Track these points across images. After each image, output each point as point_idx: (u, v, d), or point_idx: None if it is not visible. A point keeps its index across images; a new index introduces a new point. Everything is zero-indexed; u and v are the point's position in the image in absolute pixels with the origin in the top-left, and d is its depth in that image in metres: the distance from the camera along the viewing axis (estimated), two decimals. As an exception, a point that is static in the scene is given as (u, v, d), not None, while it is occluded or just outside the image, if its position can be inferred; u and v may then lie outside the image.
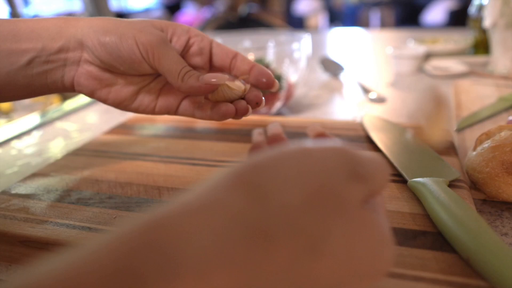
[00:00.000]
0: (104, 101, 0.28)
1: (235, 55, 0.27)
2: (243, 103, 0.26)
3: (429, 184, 0.24)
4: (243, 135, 0.37)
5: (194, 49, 0.27)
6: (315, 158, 0.14)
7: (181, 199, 0.12)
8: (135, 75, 0.27)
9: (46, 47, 0.25)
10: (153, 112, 0.28)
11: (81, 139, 0.44)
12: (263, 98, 0.27)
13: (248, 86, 0.26)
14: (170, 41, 0.27)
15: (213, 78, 0.24)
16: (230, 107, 0.26)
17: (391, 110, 0.47)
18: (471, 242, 0.18)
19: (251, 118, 0.41)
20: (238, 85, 0.26)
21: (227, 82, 0.25)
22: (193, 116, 0.28)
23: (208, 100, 0.27)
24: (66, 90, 0.27)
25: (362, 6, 3.24)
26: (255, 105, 0.27)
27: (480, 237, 0.19)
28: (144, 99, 0.28)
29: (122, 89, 0.27)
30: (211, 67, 0.28)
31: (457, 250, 0.19)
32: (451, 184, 0.26)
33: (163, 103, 0.28)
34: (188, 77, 0.25)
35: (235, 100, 0.26)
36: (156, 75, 0.28)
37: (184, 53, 0.27)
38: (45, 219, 0.24)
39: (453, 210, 0.21)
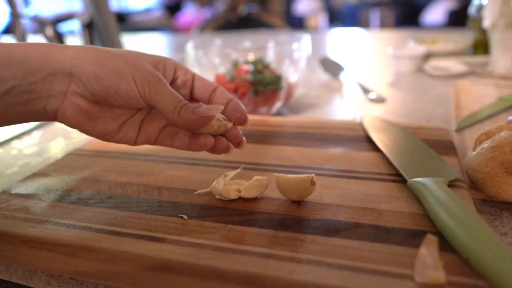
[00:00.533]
0: (89, 133, 0.27)
1: (215, 89, 0.27)
2: (224, 140, 0.27)
3: (429, 184, 0.24)
4: (244, 135, 0.37)
5: (178, 82, 0.27)
6: None
7: None
8: (125, 108, 0.26)
9: (27, 76, 0.23)
10: (134, 143, 0.28)
11: (81, 139, 0.44)
12: (244, 138, 0.28)
13: (230, 123, 0.27)
14: (163, 76, 0.27)
15: (208, 110, 0.25)
16: (209, 139, 0.26)
17: (391, 110, 0.47)
18: (471, 242, 0.19)
19: (250, 117, 0.41)
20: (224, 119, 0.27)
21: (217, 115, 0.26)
22: (171, 146, 0.28)
23: (187, 131, 0.27)
24: (47, 120, 0.26)
25: (361, 6, 3.24)
26: (236, 144, 0.28)
27: (480, 237, 0.19)
28: (128, 131, 0.27)
29: (109, 122, 0.26)
30: (191, 99, 0.28)
31: (457, 250, 0.19)
32: (451, 184, 0.26)
33: (144, 134, 0.28)
34: (184, 111, 0.25)
35: (219, 134, 0.27)
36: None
37: (171, 86, 0.27)
38: (46, 219, 0.24)
39: (453, 210, 0.21)
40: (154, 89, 0.25)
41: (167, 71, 0.27)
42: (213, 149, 0.27)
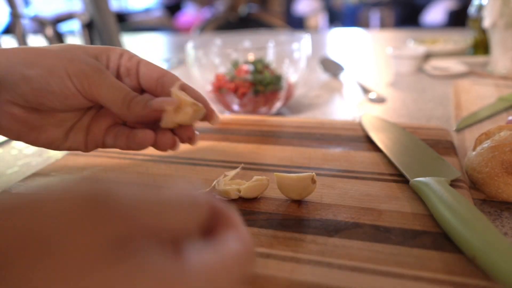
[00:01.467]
0: (33, 144, 0.24)
1: (164, 75, 0.24)
2: (169, 135, 0.24)
3: (431, 184, 0.24)
4: (243, 135, 0.37)
5: (121, 70, 0.24)
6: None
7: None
8: (67, 111, 0.24)
9: None
10: (85, 149, 0.25)
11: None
12: (197, 133, 0.25)
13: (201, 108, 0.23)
14: (107, 67, 0.24)
15: (163, 102, 0.22)
16: (148, 134, 0.23)
17: (391, 110, 0.47)
18: (477, 241, 0.18)
19: (250, 117, 0.41)
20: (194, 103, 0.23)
21: (190, 100, 0.23)
22: (114, 146, 0.25)
23: (126, 127, 0.25)
24: None
25: (361, 6, 3.24)
26: (187, 139, 0.25)
27: (486, 236, 0.19)
28: (77, 136, 0.25)
29: (53, 129, 0.24)
30: (141, 89, 0.25)
31: (463, 250, 0.19)
32: (451, 184, 0.26)
33: (91, 137, 0.25)
34: (135, 105, 0.22)
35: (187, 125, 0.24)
36: (87, 108, 0.25)
37: (115, 77, 0.24)
38: (46, 219, 0.24)
39: (458, 210, 0.21)
40: (94, 82, 0.22)
41: (111, 61, 0.24)
42: (156, 146, 0.24)
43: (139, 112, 0.22)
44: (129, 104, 0.22)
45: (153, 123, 0.24)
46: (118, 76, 0.24)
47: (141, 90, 0.25)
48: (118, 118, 0.25)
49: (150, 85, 0.24)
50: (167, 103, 0.22)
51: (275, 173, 0.25)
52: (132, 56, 0.25)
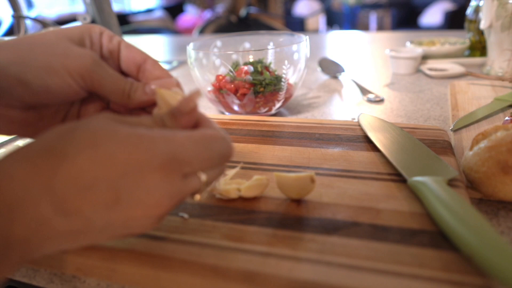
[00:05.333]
0: (31, 137, 0.24)
1: (145, 60, 0.24)
2: None
3: (429, 183, 0.24)
4: (243, 135, 0.37)
5: (104, 51, 0.24)
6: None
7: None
8: (62, 103, 0.24)
9: None
10: None
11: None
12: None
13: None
14: (92, 50, 0.23)
15: (162, 86, 0.22)
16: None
17: (389, 110, 0.47)
18: (475, 240, 0.19)
19: (250, 117, 0.42)
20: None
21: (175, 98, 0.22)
22: None
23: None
24: None
25: (359, 8, 3.25)
26: None
27: (483, 235, 0.19)
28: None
29: (49, 121, 0.24)
30: (121, 71, 0.25)
31: (460, 248, 0.20)
32: (448, 184, 0.26)
33: None
34: (134, 93, 0.23)
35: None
36: None
37: None
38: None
39: (455, 209, 0.21)
40: (96, 76, 0.22)
41: (94, 44, 0.24)
42: None
43: (139, 98, 0.23)
44: (129, 93, 0.23)
45: (142, 108, 0.25)
46: (101, 58, 0.24)
47: (121, 72, 0.25)
48: (105, 102, 0.25)
49: (131, 70, 0.25)
50: (166, 85, 0.23)
51: (275, 173, 0.26)
52: (111, 36, 0.24)
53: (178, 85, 0.24)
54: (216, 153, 0.19)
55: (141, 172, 0.17)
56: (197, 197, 0.21)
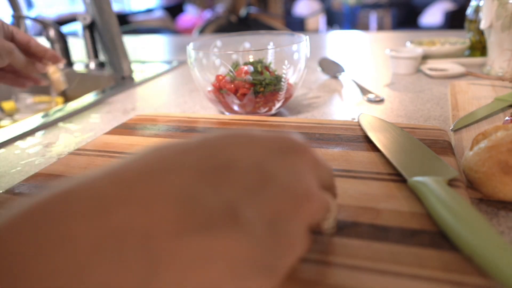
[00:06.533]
0: None
1: (29, 40, 0.43)
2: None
3: (429, 183, 0.24)
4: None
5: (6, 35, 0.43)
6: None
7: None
8: None
9: None
10: None
11: (83, 139, 0.45)
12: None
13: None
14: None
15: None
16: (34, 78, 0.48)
17: (389, 110, 0.47)
18: (474, 240, 0.19)
19: (250, 117, 0.42)
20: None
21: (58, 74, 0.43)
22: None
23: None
24: None
25: (359, 8, 3.25)
26: (55, 60, 0.47)
27: (483, 235, 0.19)
28: None
29: None
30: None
31: (460, 248, 0.20)
32: (448, 184, 0.26)
33: None
34: (33, 68, 0.43)
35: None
36: None
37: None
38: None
39: (455, 209, 0.21)
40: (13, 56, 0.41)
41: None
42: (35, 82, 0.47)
43: (36, 71, 0.44)
44: (32, 67, 0.42)
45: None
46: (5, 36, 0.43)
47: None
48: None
49: (23, 46, 0.44)
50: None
51: None
52: (7, 25, 0.43)
53: (54, 56, 0.46)
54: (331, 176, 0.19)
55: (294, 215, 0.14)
56: (328, 223, 0.18)
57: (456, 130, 0.38)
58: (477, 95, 0.46)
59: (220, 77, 0.45)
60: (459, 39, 0.70)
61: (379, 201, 0.25)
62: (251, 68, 0.44)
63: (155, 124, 0.42)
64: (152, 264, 0.11)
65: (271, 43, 0.52)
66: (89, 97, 0.60)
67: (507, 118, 0.35)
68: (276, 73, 0.45)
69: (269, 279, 0.13)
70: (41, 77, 0.49)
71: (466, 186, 0.27)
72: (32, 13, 2.60)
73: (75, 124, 0.51)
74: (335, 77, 0.64)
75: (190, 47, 0.45)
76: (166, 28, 2.79)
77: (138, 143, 0.37)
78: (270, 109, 0.46)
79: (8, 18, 0.58)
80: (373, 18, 3.13)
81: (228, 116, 0.43)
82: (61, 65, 0.48)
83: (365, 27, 3.16)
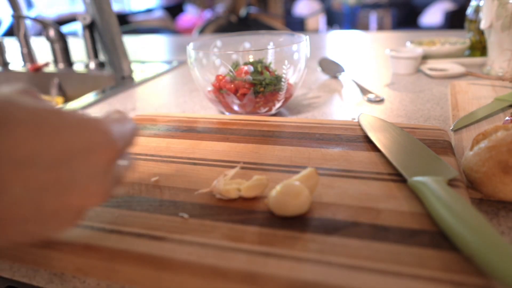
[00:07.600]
0: None
1: None
2: None
3: (429, 183, 0.24)
4: (244, 135, 0.37)
5: None
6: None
7: None
8: None
9: None
10: None
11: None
12: None
13: None
14: None
15: None
16: None
17: (389, 110, 0.47)
18: (474, 240, 0.19)
19: (250, 117, 0.42)
20: None
21: None
22: None
23: None
24: None
25: (359, 8, 3.25)
26: None
27: (483, 235, 0.19)
28: None
29: None
30: None
31: (460, 248, 0.20)
32: (448, 184, 0.26)
33: None
34: None
35: None
36: None
37: None
38: (48, 218, 0.25)
39: (455, 209, 0.21)
40: None
41: None
42: None
43: None
44: None
45: None
46: None
47: None
48: None
49: None
50: None
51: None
52: None
53: None
54: (131, 133, 0.21)
55: (88, 154, 0.16)
56: (123, 189, 0.21)
57: (456, 130, 0.38)
58: (477, 95, 0.46)
59: (220, 77, 0.45)
60: (459, 39, 0.70)
61: (379, 201, 0.25)
62: (251, 68, 0.44)
63: (155, 124, 0.42)
64: None
65: (271, 43, 0.52)
66: (89, 97, 0.60)
67: (507, 118, 0.35)
68: (276, 73, 0.45)
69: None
70: None
71: (466, 186, 0.27)
72: (32, 13, 2.60)
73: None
74: (335, 77, 0.64)
75: (190, 47, 0.45)
76: (166, 28, 2.79)
77: (138, 143, 0.37)
78: (270, 109, 0.46)
79: (8, 18, 0.59)
80: (373, 18, 3.13)
81: (228, 116, 0.43)
82: None
83: (365, 27, 3.16)
